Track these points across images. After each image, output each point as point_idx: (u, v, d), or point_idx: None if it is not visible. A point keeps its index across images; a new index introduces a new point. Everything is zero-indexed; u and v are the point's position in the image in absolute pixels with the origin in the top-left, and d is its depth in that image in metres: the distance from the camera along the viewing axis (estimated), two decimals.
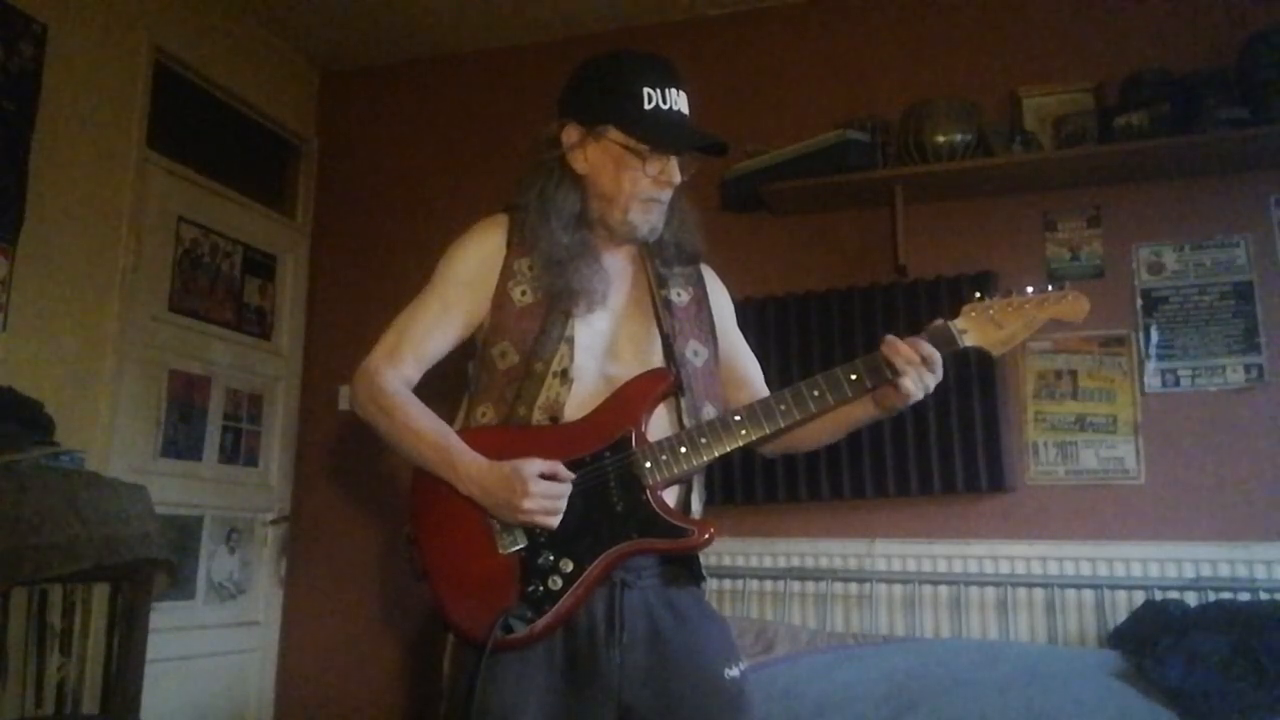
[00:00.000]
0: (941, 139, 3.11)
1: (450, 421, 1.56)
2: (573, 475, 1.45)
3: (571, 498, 1.45)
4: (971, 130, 3.12)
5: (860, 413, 1.57)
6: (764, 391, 1.66)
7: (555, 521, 1.43)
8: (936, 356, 1.48)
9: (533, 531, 1.45)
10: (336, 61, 4.13)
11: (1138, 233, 3.13)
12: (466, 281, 1.58)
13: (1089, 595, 2.91)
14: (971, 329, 1.53)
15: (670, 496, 1.52)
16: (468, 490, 1.46)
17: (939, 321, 1.54)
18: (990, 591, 3.01)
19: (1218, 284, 3.04)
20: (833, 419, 1.58)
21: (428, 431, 1.50)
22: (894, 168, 3.19)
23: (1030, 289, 1.55)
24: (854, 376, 1.50)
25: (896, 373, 1.47)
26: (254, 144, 3.96)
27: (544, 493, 1.41)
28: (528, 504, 1.41)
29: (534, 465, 1.42)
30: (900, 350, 1.47)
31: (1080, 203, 3.19)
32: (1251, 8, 3.08)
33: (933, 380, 1.49)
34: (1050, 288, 1.55)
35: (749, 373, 1.73)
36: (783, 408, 1.50)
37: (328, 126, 4.16)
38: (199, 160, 3.59)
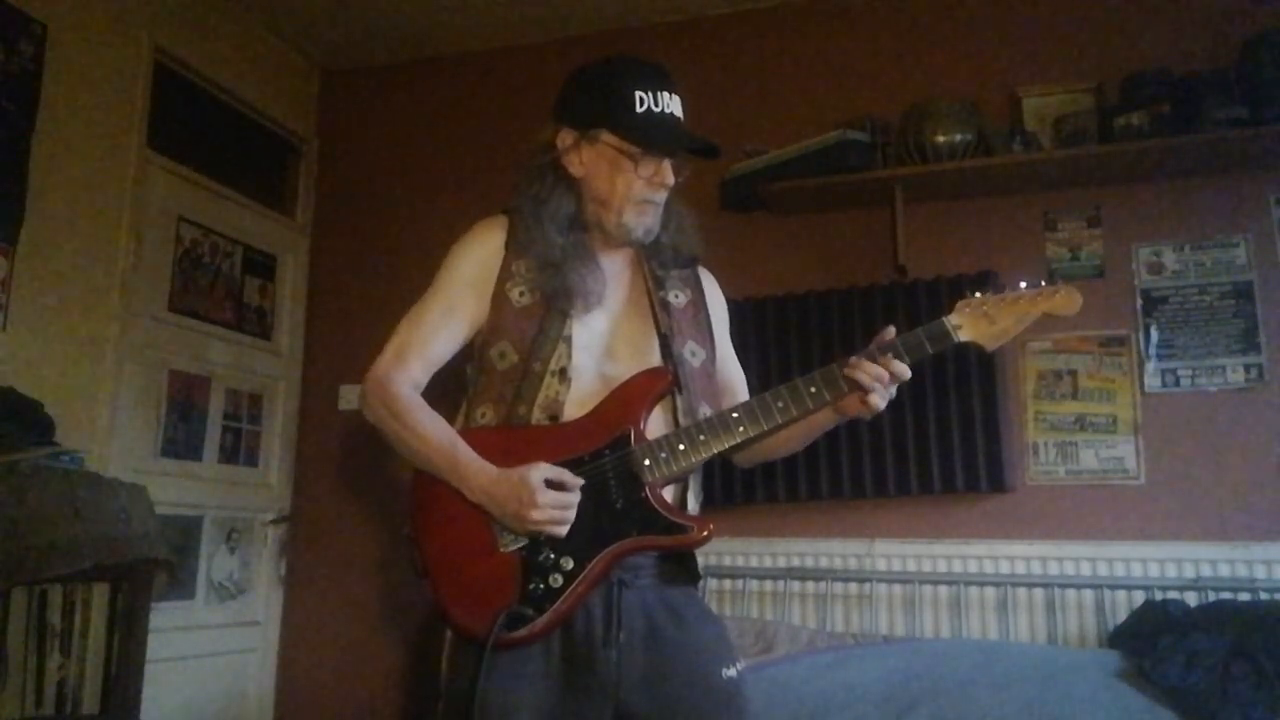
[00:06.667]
0: (941, 139, 3.11)
1: (450, 423, 1.56)
2: (580, 482, 1.44)
3: None
4: (971, 130, 3.12)
5: (824, 419, 1.57)
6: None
7: (563, 531, 1.43)
8: (906, 372, 1.48)
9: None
10: (336, 61, 4.14)
11: (1138, 233, 3.13)
12: (469, 282, 1.59)
13: (1089, 595, 2.91)
14: (965, 324, 1.53)
15: (668, 495, 1.52)
16: (476, 499, 1.46)
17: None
18: (990, 591, 3.01)
19: (1218, 284, 3.04)
20: (805, 426, 1.58)
21: (436, 438, 1.50)
22: (894, 168, 3.19)
23: (1024, 284, 1.55)
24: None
25: (865, 389, 1.48)
26: (254, 144, 3.96)
27: (552, 503, 1.41)
28: (536, 515, 1.41)
29: (540, 473, 1.42)
30: (868, 370, 1.47)
31: (1080, 203, 3.19)
32: (1251, 8, 3.08)
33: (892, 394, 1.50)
34: (1043, 283, 1.55)
35: (735, 381, 1.74)
36: (780, 404, 1.50)
37: (328, 126, 4.17)
38: (199, 160, 3.59)
